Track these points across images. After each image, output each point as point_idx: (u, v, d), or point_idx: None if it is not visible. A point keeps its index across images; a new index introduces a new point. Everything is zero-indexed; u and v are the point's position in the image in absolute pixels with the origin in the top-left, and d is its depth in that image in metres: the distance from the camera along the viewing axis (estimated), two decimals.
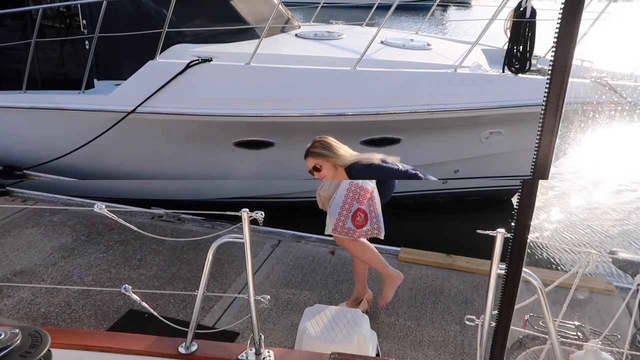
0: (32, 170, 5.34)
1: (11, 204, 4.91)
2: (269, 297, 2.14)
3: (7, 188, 5.18)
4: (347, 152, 2.76)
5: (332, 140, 2.76)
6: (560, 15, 1.16)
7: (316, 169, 2.72)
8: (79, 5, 5.22)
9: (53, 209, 4.69)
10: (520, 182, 1.37)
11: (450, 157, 5.39)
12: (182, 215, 4.56)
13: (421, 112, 4.41)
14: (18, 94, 5.21)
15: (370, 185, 2.70)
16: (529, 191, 1.35)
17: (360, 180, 2.69)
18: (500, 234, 1.74)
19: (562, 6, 1.14)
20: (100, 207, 1.96)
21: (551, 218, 5.83)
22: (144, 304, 2.09)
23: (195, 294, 2.08)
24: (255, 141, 5.02)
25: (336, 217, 2.67)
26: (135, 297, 2.00)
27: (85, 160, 5.30)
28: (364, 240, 2.89)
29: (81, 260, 3.87)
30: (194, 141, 5.08)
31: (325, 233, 2.81)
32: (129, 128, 4.86)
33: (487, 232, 1.76)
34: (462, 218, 5.75)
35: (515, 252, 1.41)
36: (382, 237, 2.78)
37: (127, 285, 1.96)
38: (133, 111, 4.70)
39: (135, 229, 2.17)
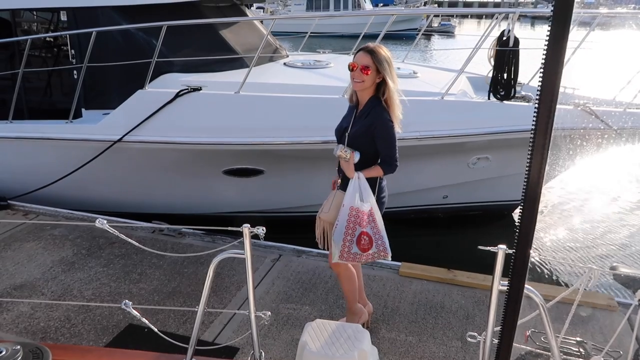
0: (17, 200, 5.29)
1: (12, 217, 4.91)
2: (269, 313, 2.14)
3: (9, 201, 5.19)
4: (397, 85, 2.62)
5: (392, 60, 2.64)
6: (546, 43, 1.19)
7: (363, 70, 2.54)
8: (67, 35, 5.26)
9: (54, 223, 4.70)
10: (522, 198, 1.38)
11: (438, 182, 5.45)
12: (183, 230, 4.56)
13: (409, 139, 4.46)
14: (4, 124, 5.20)
15: (367, 205, 2.63)
16: (530, 208, 1.36)
17: (359, 204, 2.62)
18: (501, 250, 1.75)
19: (548, 35, 1.16)
20: (101, 223, 1.97)
21: (552, 234, 5.83)
22: (143, 319, 2.08)
23: (196, 309, 2.08)
24: (244, 169, 5.05)
25: (341, 243, 2.64)
26: (135, 312, 2.00)
27: (72, 190, 5.29)
28: (352, 267, 2.88)
29: (81, 274, 3.85)
30: (183, 169, 5.09)
31: (333, 262, 2.74)
32: (117, 157, 4.87)
33: (489, 248, 1.77)
34: (462, 233, 5.75)
35: (518, 269, 1.41)
36: (389, 258, 2.72)
37: (127, 300, 1.96)
38: (120, 140, 4.72)
39: (136, 243, 2.17)
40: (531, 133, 1.29)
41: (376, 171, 2.67)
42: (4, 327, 3.19)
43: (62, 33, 5.38)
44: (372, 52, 2.56)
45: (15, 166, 5.39)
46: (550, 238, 5.74)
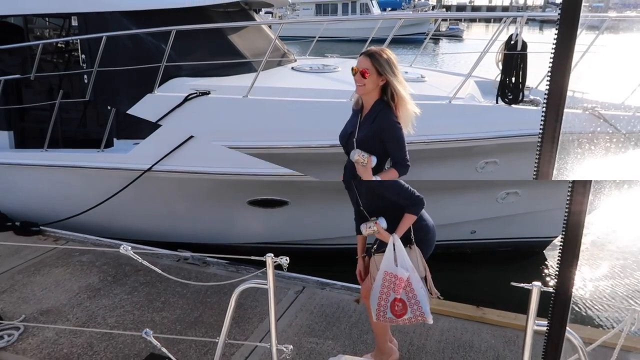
0: (49, 226, 5.40)
1: (43, 242, 5.01)
2: (291, 347, 2.08)
3: (41, 227, 5.31)
4: (405, 86, 2.57)
5: (396, 61, 2.59)
6: (553, 47, 1.15)
7: (363, 73, 2.52)
8: (78, 40, 5.28)
9: (82, 249, 4.77)
10: (562, 233, 1.31)
11: (466, 217, 5.34)
12: (207, 259, 4.56)
13: (417, 143, 4.38)
14: (39, 152, 5.36)
15: (406, 272, 2.54)
16: (572, 242, 1.29)
17: (394, 269, 2.54)
18: (536, 288, 1.66)
19: (555, 38, 1.13)
20: (126, 249, 1.98)
21: (591, 271, 5.57)
22: (164, 349, 2.05)
23: (217, 340, 2.05)
24: (269, 200, 5.04)
25: (376, 307, 2.59)
26: (155, 342, 1.97)
27: (101, 218, 5.38)
28: None
29: (106, 301, 3.87)
30: (209, 199, 5.12)
31: (373, 320, 2.70)
32: (145, 186, 4.95)
33: (522, 285, 1.68)
34: (492, 269, 5.56)
35: (558, 309, 1.32)
36: (430, 322, 2.62)
37: (148, 329, 1.94)
38: (150, 169, 4.80)
39: (159, 271, 2.16)
40: (539, 136, 1.24)
41: (392, 174, 2.61)
42: (28, 352, 3.21)
43: (72, 38, 5.43)
44: (371, 56, 2.54)
45: (49, 193, 5.51)
46: (587, 274, 5.49)
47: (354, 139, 2.62)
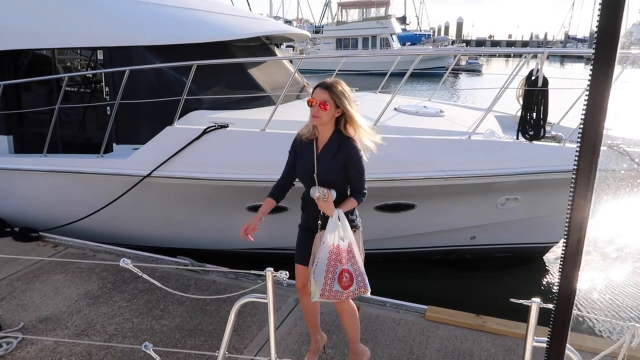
0: (48, 232, 5.41)
1: (42, 249, 5.01)
2: None
3: (40, 233, 5.31)
4: (360, 115, 2.63)
5: (349, 92, 2.65)
6: (589, 84, 1.15)
7: (322, 105, 2.55)
8: (103, 73, 5.46)
9: (82, 256, 4.76)
10: (563, 248, 1.30)
11: (465, 223, 5.33)
12: (208, 266, 4.55)
13: (436, 179, 4.39)
14: (38, 157, 5.37)
15: (346, 242, 2.60)
16: (571, 262, 1.28)
17: (339, 242, 2.58)
18: (535, 304, 1.65)
19: (591, 75, 1.13)
20: (125, 262, 1.97)
21: (593, 285, 5.54)
22: None
23: (216, 354, 2.04)
24: None
25: (322, 281, 2.58)
26: (155, 355, 1.97)
27: (100, 224, 5.38)
28: (352, 302, 2.85)
29: (105, 309, 3.86)
30: (208, 205, 5.12)
31: (312, 301, 2.68)
32: (145, 192, 4.95)
33: (522, 301, 1.68)
34: (491, 276, 5.55)
35: (558, 328, 1.32)
36: (368, 294, 2.68)
37: (147, 342, 1.94)
38: (149, 175, 4.80)
39: (158, 284, 2.16)
40: (573, 174, 1.24)
41: (351, 203, 2.67)
42: None
43: (96, 71, 5.57)
44: (328, 88, 2.58)
45: (48, 199, 5.52)
46: (588, 288, 5.46)
47: (314, 175, 2.65)
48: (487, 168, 4.48)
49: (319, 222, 2.70)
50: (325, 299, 2.62)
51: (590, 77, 1.11)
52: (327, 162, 2.64)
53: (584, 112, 1.17)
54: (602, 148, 4.59)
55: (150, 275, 2.26)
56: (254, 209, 5.09)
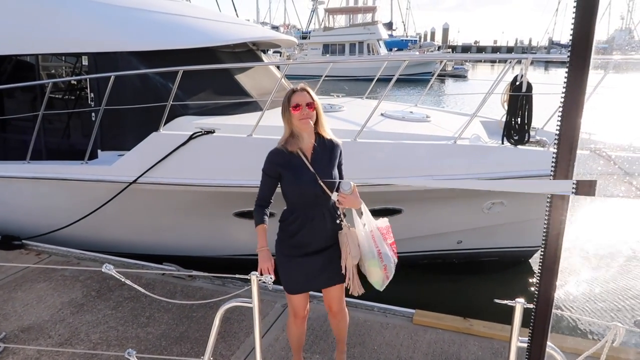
0: (32, 240, 5.33)
1: (25, 257, 4.93)
2: None
3: (23, 241, 5.22)
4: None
5: None
6: (564, 89, 1.17)
7: (309, 107, 2.53)
8: (87, 79, 5.41)
9: (66, 263, 4.69)
10: (542, 250, 1.32)
11: (452, 227, 5.36)
12: (194, 272, 4.51)
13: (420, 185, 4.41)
14: (21, 164, 5.29)
15: (376, 222, 2.65)
16: (551, 260, 1.30)
17: (374, 223, 2.62)
18: (519, 304, 1.67)
19: (566, 81, 1.15)
20: (108, 268, 1.95)
21: (574, 285, 5.62)
22: None
23: (202, 359, 2.02)
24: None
25: (392, 263, 2.60)
26: None
27: (85, 231, 5.31)
28: None
29: (90, 317, 3.81)
30: (195, 211, 5.08)
31: (382, 288, 2.62)
32: (130, 198, 4.90)
33: (506, 301, 1.69)
34: (478, 279, 5.58)
35: (539, 328, 1.33)
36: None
37: (130, 350, 1.91)
38: (135, 181, 4.76)
39: (143, 290, 2.13)
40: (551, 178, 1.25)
41: None
42: None
43: (81, 77, 5.52)
44: (305, 89, 2.59)
45: (31, 206, 5.44)
46: (570, 288, 5.53)
47: (319, 182, 2.53)
48: (473, 172, 4.50)
49: (341, 218, 2.61)
50: (389, 275, 2.60)
51: (565, 82, 1.13)
52: (325, 166, 2.59)
53: (559, 118, 1.19)
54: (585, 152, 4.65)
55: (135, 282, 2.23)
56: (241, 215, 5.07)
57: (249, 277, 1.91)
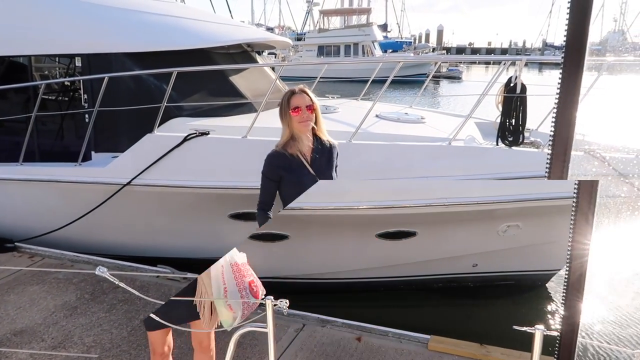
0: (25, 242, 5.29)
1: (18, 259, 4.88)
2: None
3: (16, 244, 5.17)
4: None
5: None
6: (558, 90, 1.16)
7: (309, 109, 2.52)
8: (81, 80, 5.36)
9: (59, 266, 4.65)
10: (566, 273, 1.29)
11: (467, 250, 5.18)
12: (189, 275, 4.48)
13: (435, 206, 4.31)
14: (14, 167, 5.24)
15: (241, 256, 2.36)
16: (576, 284, 1.27)
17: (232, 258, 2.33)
18: (539, 332, 1.59)
19: (560, 82, 1.14)
20: (102, 270, 1.91)
21: (597, 312, 5.28)
22: None
23: None
24: (250, 213, 4.96)
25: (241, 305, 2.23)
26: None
27: (79, 233, 5.26)
28: None
29: (83, 320, 3.77)
30: (190, 213, 5.05)
31: (230, 328, 2.27)
32: (124, 200, 4.86)
33: (525, 328, 1.61)
34: (495, 304, 5.33)
35: (564, 357, 1.27)
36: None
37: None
38: (129, 183, 4.72)
39: (138, 293, 2.11)
40: (573, 202, 1.23)
41: None
42: None
43: (74, 79, 5.48)
44: (305, 91, 2.59)
45: (24, 208, 5.39)
46: (595, 312, 5.23)
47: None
48: (468, 174, 4.47)
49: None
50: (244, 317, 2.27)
51: (559, 84, 1.12)
52: (324, 168, 2.58)
53: (554, 119, 1.18)
54: (579, 153, 4.64)
55: (129, 285, 2.20)
56: (236, 216, 5.03)
57: (264, 302, 1.87)
